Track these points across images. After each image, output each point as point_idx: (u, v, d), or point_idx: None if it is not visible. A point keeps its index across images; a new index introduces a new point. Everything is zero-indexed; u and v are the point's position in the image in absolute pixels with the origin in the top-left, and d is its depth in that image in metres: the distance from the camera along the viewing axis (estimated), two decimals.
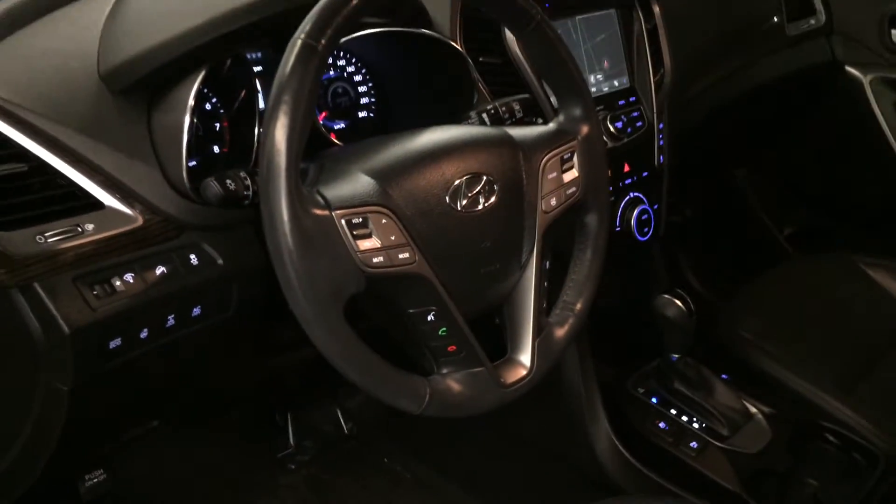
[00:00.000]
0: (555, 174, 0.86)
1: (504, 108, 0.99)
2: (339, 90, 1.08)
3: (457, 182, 0.78)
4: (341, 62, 1.08)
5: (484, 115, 0.98)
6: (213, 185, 0.76)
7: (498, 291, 0.84)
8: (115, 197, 0.78)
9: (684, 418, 1.24)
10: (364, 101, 1.11)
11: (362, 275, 0.71)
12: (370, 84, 1.10)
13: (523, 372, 0.83)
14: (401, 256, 0.73)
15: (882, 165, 1.79)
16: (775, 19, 1.69)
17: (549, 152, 0.86)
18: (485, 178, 0.80)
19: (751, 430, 1.23)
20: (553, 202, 0.86)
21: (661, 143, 1.31)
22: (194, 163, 0.93)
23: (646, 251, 1.32)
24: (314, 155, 0.83)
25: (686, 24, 1.41)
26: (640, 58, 1.30)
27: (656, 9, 1.33)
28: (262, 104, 0.95)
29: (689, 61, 1.41)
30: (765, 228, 2.08)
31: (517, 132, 0.86)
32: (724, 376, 1.32)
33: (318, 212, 0.69)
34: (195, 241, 0.83)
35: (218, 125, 0.96)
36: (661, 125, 1.31)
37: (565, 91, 0.89)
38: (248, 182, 0.77)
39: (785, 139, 1.98)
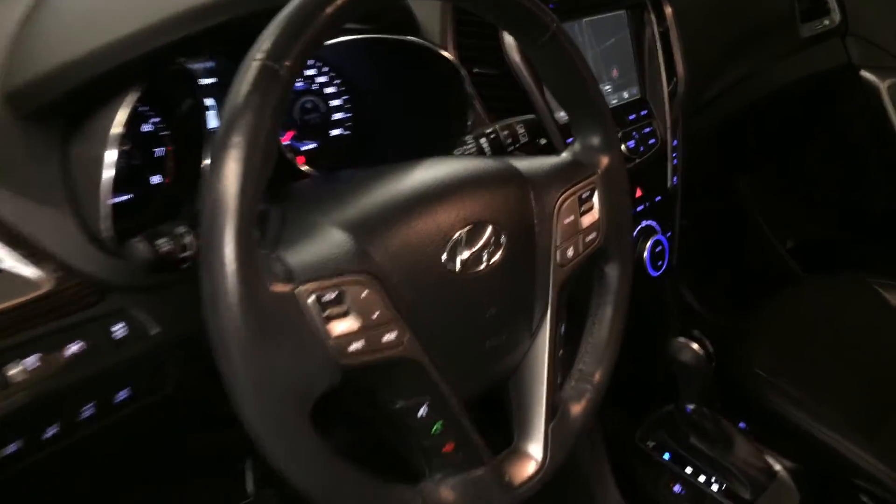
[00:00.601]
0: (572, 218, 0.70)
1: (506, 132, 0.82)
2: (309, 105, 0.90)
3: (456, 235, 0.62)
4: (311, 71, 0.91)
5: (482, 141, 0.81)
6: (139, 248, 0.58)
7: (504, 366, 0.68)
8: (16, 255, 0.60)
9: (702, 478, 1.10)
10: (338, 116, 0.93)
11: (336, 367, 0.54)
12: (346, 97, 0.93)
13: (533, 468, 0.67)
14: (385, 339, 0.56)
15: None
16: (789, 19, 1.55)
17: (565, 191, 0.70)
18: (490, 228, 0.64)
19: (776, 492, 1.10)
20: (570, 253, 0.70)
21: (675, 161, 1.16)
22: (130, 196, 0.76)
23: (658, 286, 1.18)
24: (275, 192, 0.66)
25: (698, 27, 1.26)
26: (651, 65, 1.15)
27: (668, 10, 1.17)
28: (213, 124, 0.78)
29: (701, 67, 1.26)
30: (766, 240, 1.95)
31: (525, 165, 0.70)
32: (741, 425, 1.18)
33: (279, 288, 0.52)
34: (122, 307, 0.65)
35: (159, 151, 0.79)
36: (675, 141, 1.15)
37: (583, 114, 0.74)
38: (188, 241, 0.60)
39: (795, 147, 1.84)
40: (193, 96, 0.76)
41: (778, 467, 1.12)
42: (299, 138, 0.90)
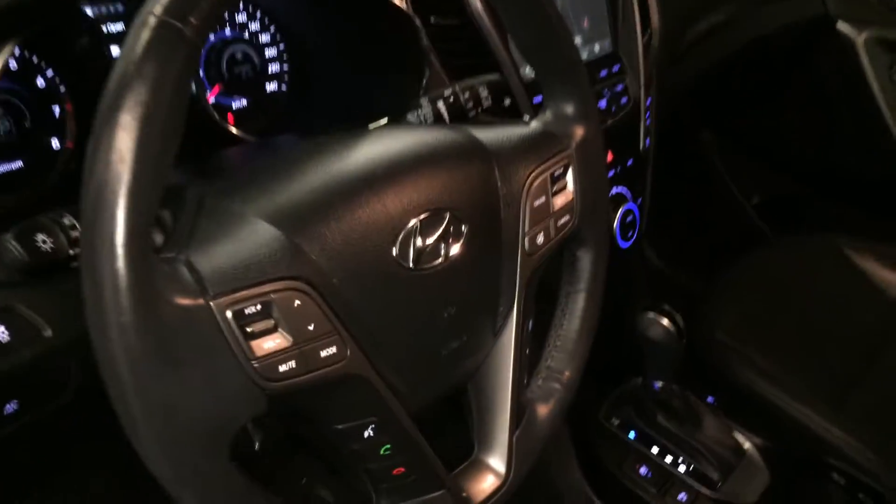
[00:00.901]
0: (542, 200, 0.61)
1: (467, 94, 0.72)
2: (239, 56, 0.78)
3: (409, 224, 0.52)
4: (241, 17, 0.78)
5: (440, 104, 0.71)
6: (10, 249, 0.47)
7: (462, 370, 0.59)
8: None
9: (668, 459, 1.04)
10: (273, 69, 0.82)
11: (261, 394, 0.45)
12: (282, 47, 0.81)
13: (496, 483, 0.60)
14: (324, 354, 0.47)
15: (870, 137, 1.60)
16: None
17: (535, 168, 0.61)
18: (448, 214, 0.54)
19: (745, 472, 1.05)
20: (540, 239, 0.61)
21: (648, 122, 1.07)
22: (19, 164, 0.65)
23: (627, 257, 1.10)
24: (196, 161, 0.56)
25: None
26: (625, 15, 1.04)
27: None
28: None
29: (676, 16, 1.17)
30: (732, 197, 1.89)
31: (489, 136, 0.60)
32: (710, 399, 1.12)
33: (186, 301, 0.42)
34: (6, 305, 0.54)
35: (58, 109, 0.67)
36: (648, 100, 1.06)
37: (556, 77, 0.64)
38: (78, 233, 0.49)
39: (765, 102, 1.76)
40: (94, 44, 0.64)
41: (747, 445, 1.08)
42: (228, 93, 0.79)
